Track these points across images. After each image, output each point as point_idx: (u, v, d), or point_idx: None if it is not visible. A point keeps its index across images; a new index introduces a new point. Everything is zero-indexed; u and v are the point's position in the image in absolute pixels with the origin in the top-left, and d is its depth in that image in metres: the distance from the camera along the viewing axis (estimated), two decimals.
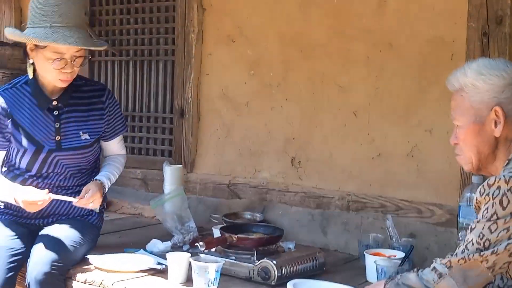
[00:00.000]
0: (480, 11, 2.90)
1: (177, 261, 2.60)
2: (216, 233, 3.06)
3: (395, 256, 2.75)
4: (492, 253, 1.87)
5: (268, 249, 2.79)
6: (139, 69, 4.20)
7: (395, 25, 3.20)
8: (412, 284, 2.02)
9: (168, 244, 3.07)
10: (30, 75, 2.85)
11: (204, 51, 3.85)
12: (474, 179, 2.75)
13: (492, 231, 1.87)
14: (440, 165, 3.08)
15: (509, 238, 1.85)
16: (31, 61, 2.81)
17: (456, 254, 1.94)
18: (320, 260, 2.81)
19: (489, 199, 1.89)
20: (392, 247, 2.93)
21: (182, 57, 3.88)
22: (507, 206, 1.85)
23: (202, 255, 2.65)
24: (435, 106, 3.08)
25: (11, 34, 2.80)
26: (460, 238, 2.74)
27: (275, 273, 2.59)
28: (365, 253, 2.78)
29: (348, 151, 3.35)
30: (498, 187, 1.87)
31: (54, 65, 2.73)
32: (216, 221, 3.47)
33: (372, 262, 2.65)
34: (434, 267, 1.98)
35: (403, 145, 3.19)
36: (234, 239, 2.74)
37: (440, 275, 1.95)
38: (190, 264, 2.55)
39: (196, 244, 2.67)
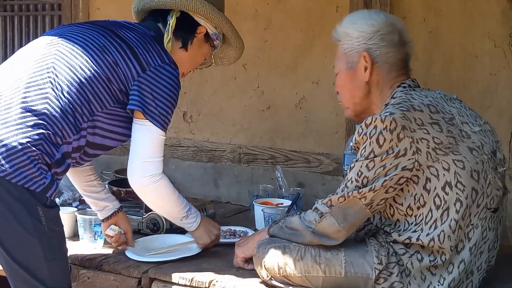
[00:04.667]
0: None
1: (63, 216, 2.55)
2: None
3: (282, 204, 2.81)
4: (370, 190, 1.94)
5: None
6: (25, 24, 4.06)
7: None
8: (294, 226, 2.08)
9: (57, 200, 3.01)
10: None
11: (92, 5, 3.75)
12: (358, 127, 2.83)
13: (370, 168, 1.94)
14: (327, 116, 3.15)
15: (385, 175, 1.93)
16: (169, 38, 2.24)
17: (337, 193, 2.01)
18: (210, 211, 2.83)
19: (367, 138, 1.95)
20: (281, 197, 2.99)
21: (69, 11, 3.78)
22: (383, 144, 1.92)
23: (88, 210, 2.62)
24: (321, 58, 3.14)
25: (211, 11, 2.26)
26: None
27: (163, 224, 2.60)
28: (254, 203, 2.83)
29: (239, 104, 3.38)
30: (375, 126, 1.94)
31: (201, 63, 2.41)
32: (107, 177, 3.41)
33: (260, 211, 2.70)
34: (315, 207, 2.04)
35: (291, 97, 3.24)
36: (122, 192, 2.73)
37: (321, 215, 2.01)
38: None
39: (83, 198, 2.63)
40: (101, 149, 2.18)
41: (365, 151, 1.95)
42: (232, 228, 2.69)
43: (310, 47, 3.17)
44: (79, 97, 2.04)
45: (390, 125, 1.91)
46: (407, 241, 1.98)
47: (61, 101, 2.01)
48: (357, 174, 1.96)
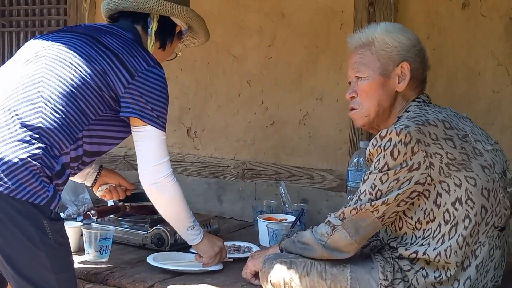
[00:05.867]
0: None
1: (68, 230, 2.55)
2: (111, 204, 3.03)
3: (286, 219, 2.82)
4: (383, 203, 1.95)
5: (162, 217, 2.79)
6: None
7: None
8: (306, 241, 2.08)
9: (61, 215, 3.01)
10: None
11: (97, 22, 3.76)
12: (362, 144, 2.85)
13: (383, 181, 1.95)
14: (331, 132, 3.17)
15: (398, 188, 1.93)
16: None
17: (349, 205, 2.01)
18: (214, 227, 2.84)
19: (381, 151, 1.96)
20: (285, 212, 3.00)
21: None
22: (397, 157, 1.93)
23: (94, 224, 2.63)
24: (325, 74, 3.16)
25: (193, 15, 2.36)
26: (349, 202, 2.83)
27: (168, 239, 2.60)
28: (258, 218, 2.84)
29: (243, 120, 3.40)
30: (390, 139, 1.94)
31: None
32: None
33: (264, 227, 2.71)
34: (328, 220, 2.04)
35: (295, 113, 3.25)
36: (127, 207, 2.72)
37: (334, 227, 2.01)
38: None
39: (88, 212, 2.64)
40: (97, 155, 2.20)
41: (379, 163, 1.96)
42: (237, 243, 2.70)
43: (314, 64, 3.19)
44: (72, 107, 2.06)
45: (405, 138, 1.92)
46: (414, 255, 1.98)
47: (54, 113, 2.03)
48: (371, 187, 1.97)
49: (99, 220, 2.72)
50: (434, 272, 1.96)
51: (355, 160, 2.82)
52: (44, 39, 2.20)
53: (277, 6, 3.26)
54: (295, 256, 2.11)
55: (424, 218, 1.98)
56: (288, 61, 3.26)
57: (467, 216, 1.94)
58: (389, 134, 1.95)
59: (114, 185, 2.52)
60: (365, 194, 1.98)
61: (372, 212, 1.97)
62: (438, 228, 1.96)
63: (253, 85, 3.35)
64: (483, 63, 2.84)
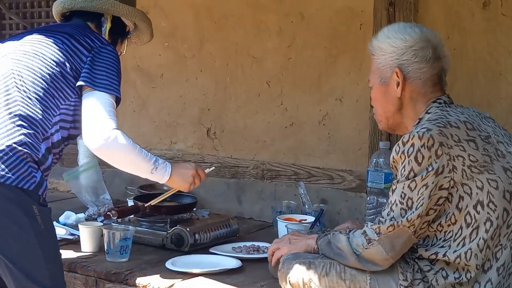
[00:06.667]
0: None
1: (88, 230, 2.60)
2: (131, 204, 3.06)
3: (306, 220, 2.82)
4: (418, 216, 1.92)
5: (181, 217, 2.82)
6: None
7: None
8: (340, 247, 2.05)
9: (82, 215, 3.05)
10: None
11: None
12: (382, 144, 2.84)
13: (412, 189, 1.92)
14: (350, 133, 3.16)
15: (429, 196, 1.91)
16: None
17: (384, 220, 1.97)
18: (234, 227, 2.85)
19: (405, 157, 1.94)
20: (304, 213, 3.00)
21: None
22: (422, 161, 1.90)
23: (114, 225, 2.65)
24: (344, 75, 3.15)
25: (143, 16, 2.50)
26: (369, 202, 2.83)
27: (188, 239, 2.62)
28: (277, 219, 2.84)
29: (262, 120, 3.40)
30: (412, 144, 1.92)
31: None
32: (132, 193, 3.44)
33: (283, 227, 2.71)
34: (364, 231, 2.01)
35: (314, 113, 3.25)
36: (147, 208, 2.74)
37: (369, 241, 1.98)
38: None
39: (108, 213, 2.66)
40: (68, 139, 2.27)
41: (404, 170, 1.93)
42: (256, 243, 2.71)
43: (333, 64, 3.18)
44: (45, 94, 2.16)
45: (428, 142, 1.90)
46: (433, 256, 1.97)
47: (30, 101, 2.13)
48: (400, 196, 1.94)
49: (119, 220, 2.75)
50: (454, 273, 1.95)
51: (375, 160, 2.81)
52: (9, 41, 2.32)
53: (296, 7, 3.25)
54: (314, 256, 2.10)
55: (445, 222, 1.96)
56: (307, 62, 3.26)
57: (488, 219, 1.92)
58: (411, 139, 1.93)
59: None
60: (396, 204, 1.95)
61: (409, 227, 1.94)
62: (460, 230, 1.94)
63: (273, 86, 3.36)
64: (504, 63, 2.82)
